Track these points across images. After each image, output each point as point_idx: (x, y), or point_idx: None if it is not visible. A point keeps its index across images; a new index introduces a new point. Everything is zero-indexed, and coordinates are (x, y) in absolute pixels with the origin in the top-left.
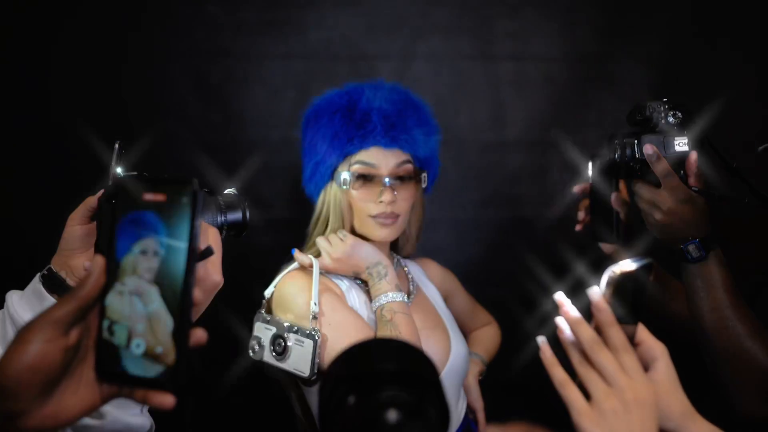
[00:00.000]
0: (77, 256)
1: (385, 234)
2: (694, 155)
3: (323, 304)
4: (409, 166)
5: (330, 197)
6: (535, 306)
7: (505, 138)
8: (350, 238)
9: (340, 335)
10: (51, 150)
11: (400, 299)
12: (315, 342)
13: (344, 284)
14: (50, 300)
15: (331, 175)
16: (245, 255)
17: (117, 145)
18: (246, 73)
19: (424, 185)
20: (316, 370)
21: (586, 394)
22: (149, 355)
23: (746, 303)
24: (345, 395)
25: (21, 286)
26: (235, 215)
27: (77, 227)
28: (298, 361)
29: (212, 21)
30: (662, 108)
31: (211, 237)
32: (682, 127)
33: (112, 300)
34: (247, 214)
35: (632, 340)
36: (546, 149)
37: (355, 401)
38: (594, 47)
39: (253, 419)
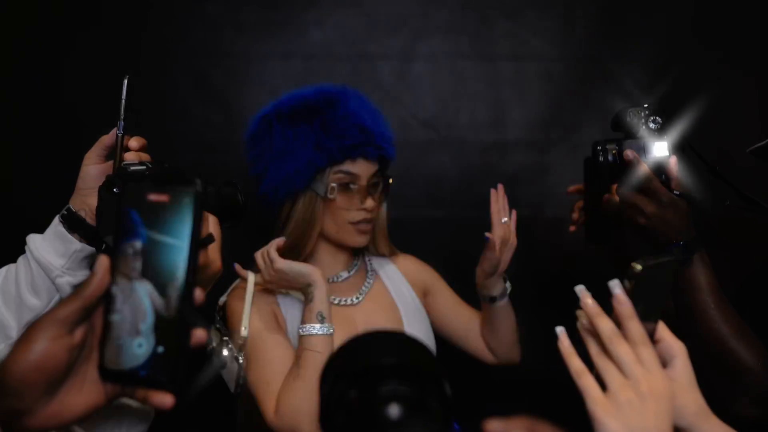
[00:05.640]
0: (94, 194)
1: (363, 240)
2: (674, 159)
3: (254, 328)
4: (379, 173)
5: (306, 203)
6: (534, 306)
7: (505, 138)
8: (278, 262)
9: (264, 365)
10: (53, 149)
11: (316, 332)
12: (239, 365)
13: (288, 299)
14: (72, 240)
15: (308, 182)
16: (245, 255)
17: (126, 80)
18: (246, 73)
19: (389, 187)
20: (239, 390)
21: (603, 386)
22: (150, 355)
23: (732, 304)
24: (345, 390)
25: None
26: (233, 205)
27: (93, 166)
28: (229, 375)
29: (212, 21)
30: (642, 114)
31: (211, 225)
32: (662, 132)
33: (116, 299)
34: (244, 205)
35: (652, 337)
36: (546, 149)
37: (355, 396)
38: (594, 47)
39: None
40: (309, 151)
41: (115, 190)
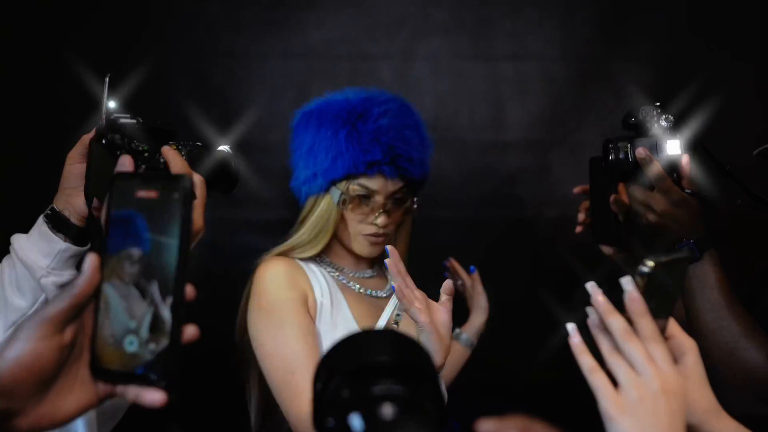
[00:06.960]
0: (78, 194)
1: (373, 251)
2: (686, 158)
3: (279, 304)
4: (404, 191)
5: (322, 207)
6: (534, 305)
7: (505, 138)
8: (413, 299)
9: (290, 357)
10: (38, 148)
11: None
12: None
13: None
14: (57, 240)
15: (327, 187)
16: (245, 255)
17: (107, 79)
18: (246, 73)
19: (414, 206)
20: None
21: (614, 384)
22: (141, 353)
23: (743, 303)
24: (338, 389)
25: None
26: (226, 169)
27: (76, 165)
28: None
29: (212, 21)
30: (655, 112)
31: (195, 182)
32: (674, 130)
33: (106, 297)
34: (238, 170)
35: (663, 334)
36: (546, 149)
37: (348, 395)
38: (594, 47)
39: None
40: (328, 160)
41: (103, 141)
